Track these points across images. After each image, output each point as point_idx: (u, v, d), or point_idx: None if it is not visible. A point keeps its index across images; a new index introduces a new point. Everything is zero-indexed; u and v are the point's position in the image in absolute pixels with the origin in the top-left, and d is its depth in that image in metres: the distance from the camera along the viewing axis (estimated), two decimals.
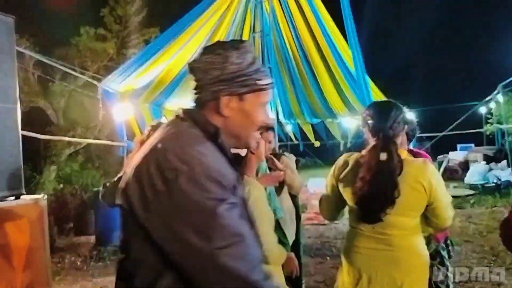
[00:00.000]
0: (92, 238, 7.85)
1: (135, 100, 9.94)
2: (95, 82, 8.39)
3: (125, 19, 10.16)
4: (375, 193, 1.96)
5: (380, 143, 2.06)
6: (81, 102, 9.28)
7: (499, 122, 13.26)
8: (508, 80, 11.28)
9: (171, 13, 10.87)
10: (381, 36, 19.65)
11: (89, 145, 10.06)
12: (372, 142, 2.15)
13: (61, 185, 9.00)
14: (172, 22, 9.35)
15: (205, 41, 10.28)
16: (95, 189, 8.09)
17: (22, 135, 3.17)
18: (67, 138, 8.18)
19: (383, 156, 1.99)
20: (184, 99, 11.97)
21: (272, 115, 11.38)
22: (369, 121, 2.18)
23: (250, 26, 10.99)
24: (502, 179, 10.66)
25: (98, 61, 9.70)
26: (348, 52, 9.78)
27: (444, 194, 2.05)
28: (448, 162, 12.91)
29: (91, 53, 9.59)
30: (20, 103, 3.19)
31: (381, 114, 2.16)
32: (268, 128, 3.01)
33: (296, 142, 15.62)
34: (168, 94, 11.22)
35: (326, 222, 8.01)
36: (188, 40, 9.38)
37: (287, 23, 11.17)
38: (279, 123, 12.46)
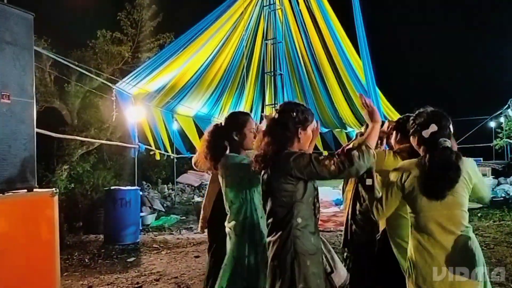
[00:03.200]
0: (101, 237, 7.99)
1: (147, 104, 10.14)
2: (109, 84, 8.58)
3: (141, 23, 10.37)
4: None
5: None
6: (96, 104, 9.48)
7: (509, 137, 13.21)
8: None
9: (185, 19, 11.09)
10: (391, 48, 19.70)
11: (101, 146, 10.25)
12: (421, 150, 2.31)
13: (72, 185, 9.17)
14: (187, 28, 9.55)
15: (218, 47, 10.47)
16: (106, 188, 8.24)
17: (37, 133, 3.25)
18: (80, 138, 8.36)
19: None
20: (195, 105, 12.17)
21: None
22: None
23: (263, 33, 11.16)
24: (511, 194, 10.61)
25: (113, 63, 9.90)
26: (359, 63, 9.90)
27: None
28: None
29: (106, 56, 9.80)
30: (36, 102, 3.27)
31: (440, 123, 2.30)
32: None
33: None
34: (179, 99, 11.40)
35: (332, 229, 8.08)
36: (201, 46, 9.57)
37: (300, 32, 11.33)
38: None
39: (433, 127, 2.26)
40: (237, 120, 2.73)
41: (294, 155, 2.19)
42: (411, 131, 2.39)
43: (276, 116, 2.34)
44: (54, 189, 3.26)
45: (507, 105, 12.63)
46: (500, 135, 14.16)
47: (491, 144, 14.37)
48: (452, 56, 21.06)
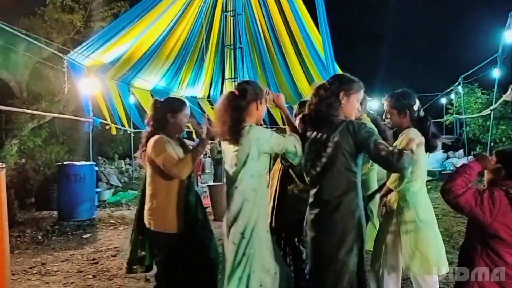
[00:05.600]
0: (55, 213, 7.77)
1: (102, 76, 9.76)
2: (60, 54, 8.15)
3: None
4: None
5: None
6: (46, 75, 8.99)
7: (458, 113, 13.85)
8: (468, 72, 11.77)
9: None
10: (350, 24, 19.93)
11: (54, 120, 9.80)
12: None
13: (23, 160, 8.79)
14: None
15: (176, 18, 10.15)
16: (59, 164, 7.96)
17: None
18: (29, 111, 7.94)
19: None
20: (152, 78, 11.85)
21: None
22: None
23: (222, 5, 10.90)
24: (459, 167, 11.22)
25: (64, 33, 9.38)
26: (318, 37, 9.91)
27: None
28: None
29: (57, 25, 9.26)
30: None
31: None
32: None
33: (264, 126, 15.76)
34: (136, 72, 11.05)
35: None
36: (158, 16, 9.23)
37: (259, 4, 11.14)
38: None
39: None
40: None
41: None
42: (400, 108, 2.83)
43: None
44: (0, 163, 3.11)
45: (457, 82, 13.17)
46: (451, 111, 14.82)
47: (442, 120, 15.03)
48: (406, 35, 21.62)
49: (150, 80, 11.91)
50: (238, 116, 2.48)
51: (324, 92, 2.46)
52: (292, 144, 2.49)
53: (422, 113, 2.88)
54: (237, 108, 2.49)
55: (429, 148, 2.78)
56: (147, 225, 2.81)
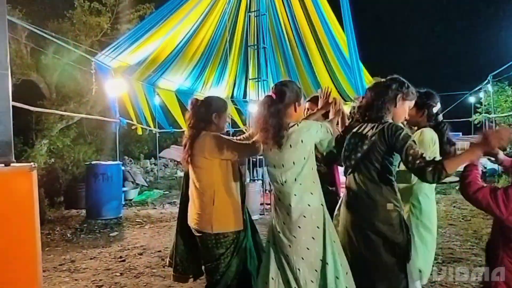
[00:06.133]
0: (83, 212, 7.95)
1: (128, 77, 9.92)
2: (88, 56, 8.34)
3: None
4: None
5: None
6: (74, 77, 9.21)
7: (488, 112, 13.46)
8: (498, 70, 11.41)
9: None
10: (375, 24, 19.65)
11: (82, 120, 10.05)
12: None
13: (53, 159, 9.02)
14: None
15: (200, 19, 10.23)
16: (87, 163, 8.14)
17: (13, 107, 3.16)
18: (59, 112, 8.16)
19: None
20: (177, 79, 11.98)
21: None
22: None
23: (246, 5, 10.92)
24: (488, 167, 10.89)
25: (92, 35, 9.57)
26: (343, 38, 9.81)
27: None
28: None
29: (85, 27, 9.46)
30: (12, 75, 3.17)
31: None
32: None
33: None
34: (161, 72, 11.19)
35: None
36: (183, 18, 9.33)
37: (283, 4, 11.11)
38: None
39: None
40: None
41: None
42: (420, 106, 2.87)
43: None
44: (32, 163, 3.19)
45: (486, 81, 12.80)
46: (480, 110, 14.41)
47: (470, 119, 14.64)
48: (433, 33, 21.17)
49: (174, 81, 12.04)
50: (279, 122, 2.43)
51: (383, 90, 2.50)
52: (331, 137, 2.59)
53: (440, 118, 2.94)
54: (276, 112, 2.45)
55: (442, 153, 2.78)
56: (199, 228, 2.75)
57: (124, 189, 9.37)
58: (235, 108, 15.17)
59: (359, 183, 2.47)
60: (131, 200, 9.52)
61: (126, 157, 13.89)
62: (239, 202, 2.77)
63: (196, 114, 2.80)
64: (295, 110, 2.53)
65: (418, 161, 2.20)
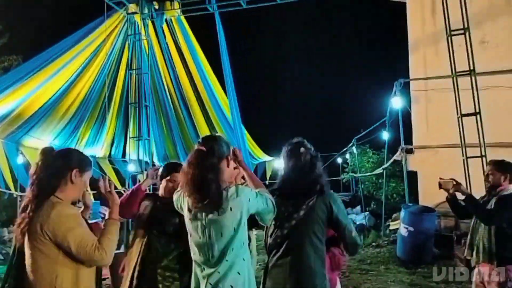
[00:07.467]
0: None
1: None
2: None
3: None
4: None
5: None
6: None
7: (354, 171, 14.86)
8: (361, 135, 12.85)
9: (36, 42, 10.06)
10: (254, 88, 20.99)
11: None
12: None
13: None
14: (37, 51, 8.62)
15: (73, 76, 9.68)
16: None
17: None
18: None
19: None
20: (46, 136, 10.92)
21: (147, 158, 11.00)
22: None
23: (127, 63, 10.71)
24: (357, 222, 11.78)
25: None
26: (225, 99, 10.13)
27: None
28: None
29: None
30: None
31: None
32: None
33: None
34: (27, 129, 10.12)
35: None
36: (54, 73, 8.71)
37: (166, 65, 11.17)
38: (154, 165, 12.07)
39: None
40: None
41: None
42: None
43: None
44: None
45: (351, 143, 14.26)
46: (347, 169, 15.88)
47: (339, 178, 15.99)
48: (309, 99, 23.27)
49: (43, 138, 10.95)
50: (215, 177, 2.09)
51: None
52: (270, 201, 2.24)
53: None
54: (211, 167, 2.10)
55: None
56: None
57: None
58: (113, 168, 14.30)
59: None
60: None
61: None
62: None
63: (47, 167, 2.10)
64: (228, 165, 2.23)
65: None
